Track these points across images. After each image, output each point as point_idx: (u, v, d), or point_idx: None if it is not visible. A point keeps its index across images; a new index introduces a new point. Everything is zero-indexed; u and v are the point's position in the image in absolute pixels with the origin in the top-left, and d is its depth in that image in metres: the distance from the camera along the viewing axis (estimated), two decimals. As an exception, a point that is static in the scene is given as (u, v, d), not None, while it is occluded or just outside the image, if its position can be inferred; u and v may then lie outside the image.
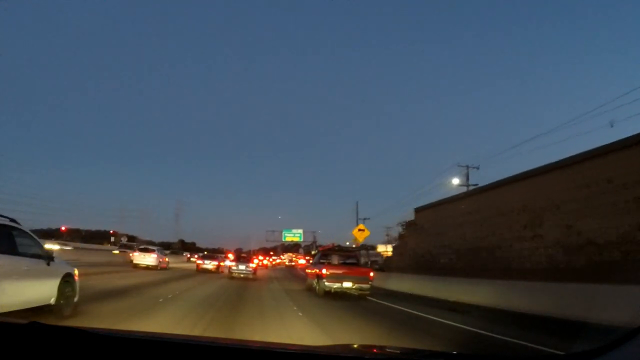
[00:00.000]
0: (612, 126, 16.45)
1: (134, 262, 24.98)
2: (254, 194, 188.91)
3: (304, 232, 63.32)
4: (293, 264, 73.56)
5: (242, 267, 22.45)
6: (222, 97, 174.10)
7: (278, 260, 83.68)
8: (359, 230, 27.11)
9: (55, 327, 1.65)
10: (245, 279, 21.32)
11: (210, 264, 27.66)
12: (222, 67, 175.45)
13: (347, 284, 14.23)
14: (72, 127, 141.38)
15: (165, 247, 77.40)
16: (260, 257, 46.93)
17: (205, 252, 43.39)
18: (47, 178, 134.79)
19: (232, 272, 22.31)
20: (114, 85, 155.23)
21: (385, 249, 61.49)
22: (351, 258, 16.20)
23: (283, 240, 66.20)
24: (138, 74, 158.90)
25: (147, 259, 24.64)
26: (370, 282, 14.68)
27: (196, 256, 37.52)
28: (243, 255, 32.39)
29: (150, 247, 27.57)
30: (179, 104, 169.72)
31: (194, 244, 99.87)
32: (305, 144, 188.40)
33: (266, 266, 50.37)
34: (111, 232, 57.03)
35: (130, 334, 1.96)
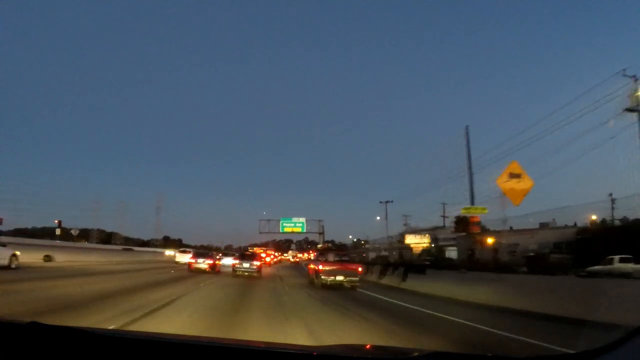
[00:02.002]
0: (611, 127, 17.12)
1: (176, 260, 35.69)
2: (244, 187, 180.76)
3: (306, 221, 53.90)
4: (298, 260, 78.69)
5: (246, 265, 22.83)
6: (208, 89, 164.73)
7: (280, 258, 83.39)
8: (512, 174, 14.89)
9: (56, 327, 1.63)
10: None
11: (204, 263, 25.38)
12: (209, 63, 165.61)
13: (340, 278, 16.95)
14: (48, 117, 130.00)
15: (146, 245, 70.24)
16: (263, 255, 45.17)
17: (187, 250, 41.74)
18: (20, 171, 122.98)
19: (236, 271, 22.60)
20: (99, 79, 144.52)
21: (417, 240, 50.24)
22: (344, 256, 19.57)
23: (281, 231, 57.75)
24: (123, 68, 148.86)
25: (185, 258, 32.52)
26: (358, 276, 17.73)
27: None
28: (247, 253, 32.63)
29: (187, 249, 39.46)
30: (161, 96, 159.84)
31: (180, 240, 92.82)
32: (303, 133, 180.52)
33: (269, 264, 49.97)
34: (57, 221, 44.98)
35: (130, 334, 1.94)
